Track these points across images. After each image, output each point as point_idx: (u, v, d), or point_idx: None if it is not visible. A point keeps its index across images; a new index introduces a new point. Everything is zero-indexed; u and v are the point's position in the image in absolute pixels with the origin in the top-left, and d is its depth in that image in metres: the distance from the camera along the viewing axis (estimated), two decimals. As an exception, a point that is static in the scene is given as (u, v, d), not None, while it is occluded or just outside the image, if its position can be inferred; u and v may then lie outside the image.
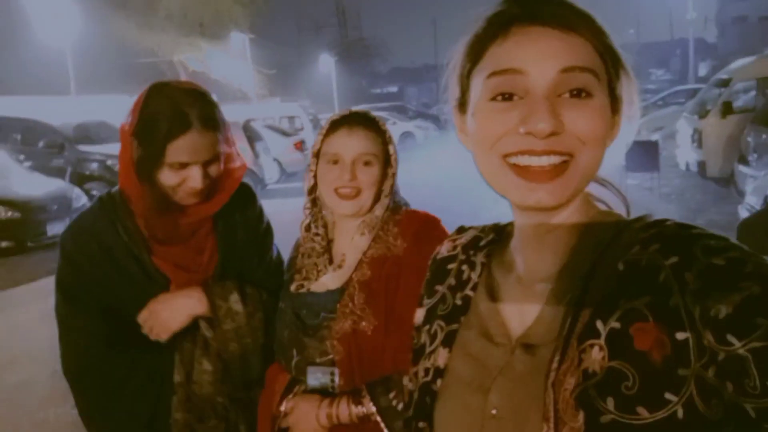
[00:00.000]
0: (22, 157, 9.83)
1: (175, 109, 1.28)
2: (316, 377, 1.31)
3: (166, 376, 1.38)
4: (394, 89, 59.76)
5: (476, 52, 0.69)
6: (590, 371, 0.59)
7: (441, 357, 0.76)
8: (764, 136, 7.03)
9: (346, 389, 1.28)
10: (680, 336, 0.56)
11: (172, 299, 1.35)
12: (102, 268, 1.36)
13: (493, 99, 0.66)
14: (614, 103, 0.68)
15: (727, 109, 8.72)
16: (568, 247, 0.69)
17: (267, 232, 1.55)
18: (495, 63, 0.66)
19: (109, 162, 9.69)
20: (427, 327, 0.82)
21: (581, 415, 0.58)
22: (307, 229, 1.40)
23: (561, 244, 0.70)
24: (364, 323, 1.26)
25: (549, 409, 0.61)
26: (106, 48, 18.37)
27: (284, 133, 14.42)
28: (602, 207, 0.73)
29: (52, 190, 8.24)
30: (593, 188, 0.72)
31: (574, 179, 0.64)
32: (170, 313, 1.34)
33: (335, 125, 1.35)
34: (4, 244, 7.42)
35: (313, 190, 1.39)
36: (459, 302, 0.78)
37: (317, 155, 1.37)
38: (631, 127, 0.70)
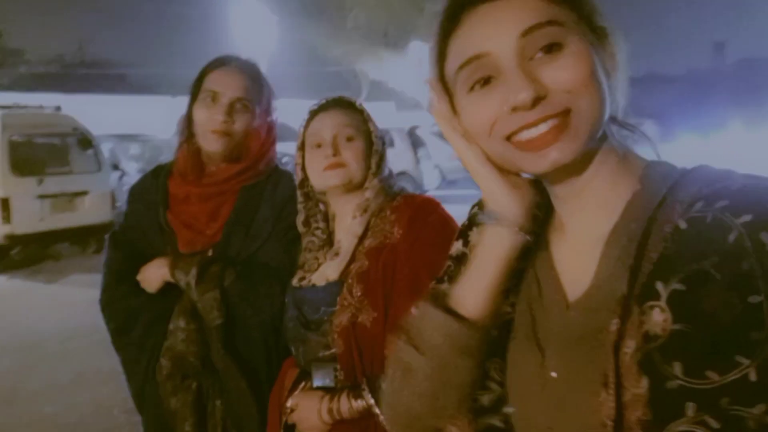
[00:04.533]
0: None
1: (217, 57, 1.57)
2: (319, 377, 1.31)
3: (167, 322, 1.52)
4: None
5: (440, 51, 0.68)
6: (651, 334, 0.56)
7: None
8: None
9: (347, 383, 1.27)
10: (753, 300, 0.52)
11: (150, 265, 1.54)
12: (139, 218, 1.63)
13: (471, 90, 0.64)
14: (598, 38, 0.64)
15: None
16: (614, 202, 0.66)
17: (291, 218, 1.54)
18: (458, 56, 0.65)
19: (284, 159, 10.56)
20: None
21: (645, 381, 0.55)
22: (305, 224, 1.41)
23: (604, 201, 0.66)
24: (362, 316, 1.25)
25: (609, 374, 0.58)
26: (298, 56, 20.06)
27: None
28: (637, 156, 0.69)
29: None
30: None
31: (581, 128, 0.61)
32: (149, 275, 1.54)
33: (312, 114, 1.37)
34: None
35: (303, 183, 1.40)
36: None
37: (302, 148, 1.38)
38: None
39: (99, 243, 8.55)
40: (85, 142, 8.39)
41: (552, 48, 0.61)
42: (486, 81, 0.63)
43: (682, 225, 0.58)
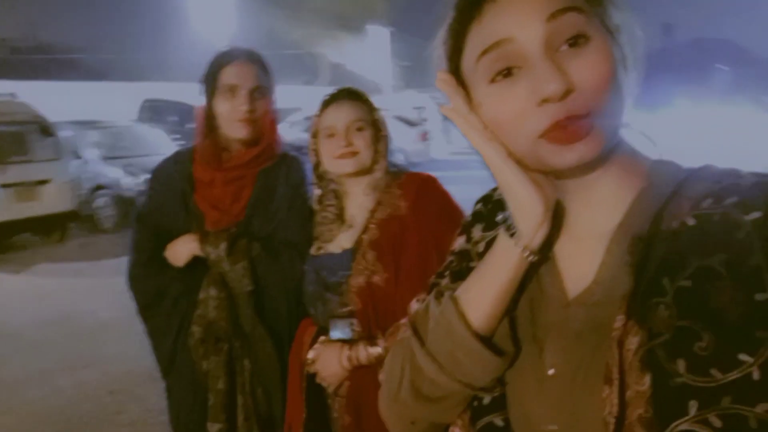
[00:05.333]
0: (177, 136, 10.92)
1: (224, 51, 1.70)
2: (338, 329, 1.49)
3: (196, 293, 1.67)
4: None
5: (456, 43, 0.65)
6: (656, 331, 0.55)
7: None
8: None
9: (364, 336, 1.46)
10: (759, 297, 0.52)
11: (178, 242, 1.69)
12: (165, 200, 1.76)
13: (493, 81, 0.61)
14: (615, 35, 0.62)
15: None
16: (620, 199, 0.65)
17: (304, 198, 1.73)
18: (479, 45, 0.62)
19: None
20: None
21: (648, 378, 0.55)
22: (320, 201, 1.60)
23: (610, 198, 0.65)
24: (376, 277, 1.44)
25: (612, 370, 0.57)
26: (257, 40, 19.85)
27: (411, 124, 14.72)
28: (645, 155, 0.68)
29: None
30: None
31: (603, 127, 0.60)
32: (177, 251, 1.69)
33: (325, 105, 1.54)
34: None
35: (317, 166, 1.59)
36: None
37: (315, 135, 1.55)
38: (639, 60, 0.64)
39: (63, 232, 8.45)
40: (44, 129, 8.22)
41: (578, 40, 0.58)
42: (508, 72, 0.60)
43: (690, 221, 0.58)
